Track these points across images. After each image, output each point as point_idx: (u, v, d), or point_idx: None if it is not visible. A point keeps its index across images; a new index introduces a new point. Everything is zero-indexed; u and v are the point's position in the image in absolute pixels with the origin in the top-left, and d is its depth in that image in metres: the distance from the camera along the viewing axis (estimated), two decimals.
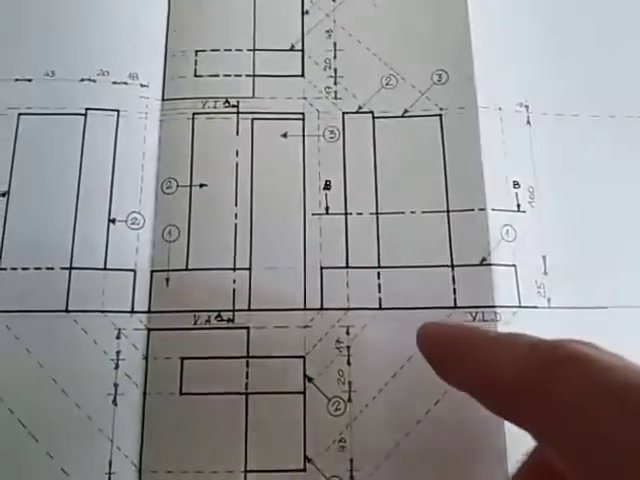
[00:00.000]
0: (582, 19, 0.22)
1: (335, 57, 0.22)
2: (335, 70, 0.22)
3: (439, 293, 0.19)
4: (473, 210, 0.20)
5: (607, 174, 0.20)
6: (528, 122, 0.21)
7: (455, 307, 0.19)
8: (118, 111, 0.21)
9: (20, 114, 0.21)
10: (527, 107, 0.21)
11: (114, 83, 0.21)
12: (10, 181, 0.20)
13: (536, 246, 0.20)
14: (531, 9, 0.22)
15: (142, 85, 0.21)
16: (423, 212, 0.20)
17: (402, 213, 0.20)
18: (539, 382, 0.12)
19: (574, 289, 0.19)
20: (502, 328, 0.19)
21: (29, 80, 0.21)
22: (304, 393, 0.19)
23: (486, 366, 0.14)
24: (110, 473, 0.18)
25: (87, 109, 0.21)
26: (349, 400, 0.19)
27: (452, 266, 0.19)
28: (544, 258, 0.20)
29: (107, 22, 0.21)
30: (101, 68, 0.21)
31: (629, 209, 0.20)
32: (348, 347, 0.19)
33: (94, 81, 0.21)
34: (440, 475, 0.18)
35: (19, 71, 0.21)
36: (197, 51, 0.22)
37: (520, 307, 0.19)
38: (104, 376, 0.19)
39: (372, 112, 0.21)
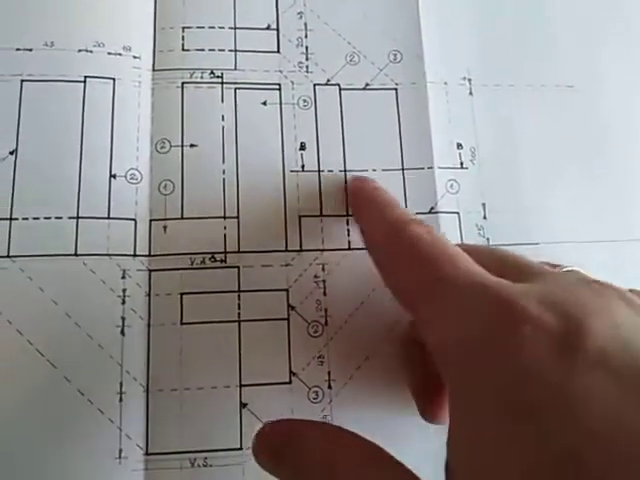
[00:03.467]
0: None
1: (306, 36, 0.25)
2: (306, 47, 0.25)
3: None
4: (423, 168, 0.24)
5: (537, 135, 0.25)
6: (470, 93, 0.25)
7: None
8: (114, 79, 0.23)
9: (23, 80, 0.23)
10: (470, 80, 0.25)
11: (109, 54, 0.23)
12: (17, 141, 0.22)
13: (476, 196, 0.24)
14: None
15: (135, 57, 0.24)
16: (383, 170, 0.24)
17: (365, 170, 0.24)
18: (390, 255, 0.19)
19: (509, 229, 0.24)
20: None
21: (30, 50, 0.23)
22: (288, 319, 0.22)
23: (367, 223, 0.21)
24: (121, 393, 0.21)
25: (85, 77, 0.23)
26: (326, 324, 0.22)
27: None
28: (484, 205, 0.24)
29: (105, 3, 0.24)
30: (97, 40, 0.23)
31: (553, 163, 0.25)
32: (324, 281, 0.23)
33: (91, 52, 0.23)
34: (399, 377, 0.22)
35: (20, 41, 0.23)
36: (184, 27, 0.24)
37: None
38: (112, 311, 0.21)
39: (339, 84, 0.25)
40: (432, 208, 0.23)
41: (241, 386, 0.21)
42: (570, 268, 0.17)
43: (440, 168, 0.24)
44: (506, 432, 0.12)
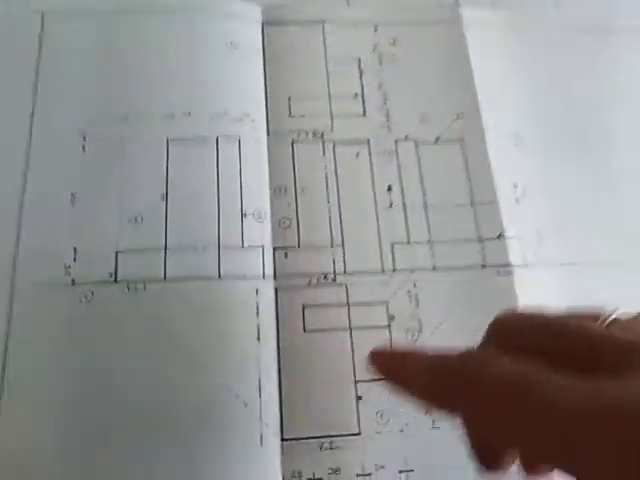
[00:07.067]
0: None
1: (385, 103, 0.31)
2: (387, 111, 0.31)
3: (474, 258, 0.28)
4: (488, 203, 0.29)
5: (577, 184, 0.31)
6: (516, 145, 0.31)
7: (484, 266, 0.28)
8: (239, 138, 0.29)
9: (169, 140, 0.28)
10: (518, 135, 0.31)
11: (234, 119, 0.29)
12: (167, 189, 0.27)
13: (531, 226, 0.29)
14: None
15: (252, 121, 0.30)
16: (455, 205, 0.29)
17: (440, 205, 0.29)
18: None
19: (554, 251, 0.29)
20: (516, 277, 0.28)
21: (172, 116, 0.29)
22: (389, 327, 0.27)
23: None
24: (260, 388, 0.25)
25: (217, 137, 0.29)
26: (420, 331, 0.27)
27: (480, 240, 0.29)
28: (538, 233, 0.29)
29: (227, 83, 0.30)
30: (224, 108, 0.29)
31: (594, 210, 0.30)
32: (416, 294, 0.27)
33: (220, 118, 0.29)
34: None
35: (164, 110, 0.29)
36: (289, 98, 0.30)
37: (525, 265, 0.28)
38: (249, 321, 0.26)
39: (415, 140, 0.30)
40: (500, 234, 0.29)
41: (356, 382, 0.26)
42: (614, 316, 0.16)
43: (502, 202, 0.29)
44: None
